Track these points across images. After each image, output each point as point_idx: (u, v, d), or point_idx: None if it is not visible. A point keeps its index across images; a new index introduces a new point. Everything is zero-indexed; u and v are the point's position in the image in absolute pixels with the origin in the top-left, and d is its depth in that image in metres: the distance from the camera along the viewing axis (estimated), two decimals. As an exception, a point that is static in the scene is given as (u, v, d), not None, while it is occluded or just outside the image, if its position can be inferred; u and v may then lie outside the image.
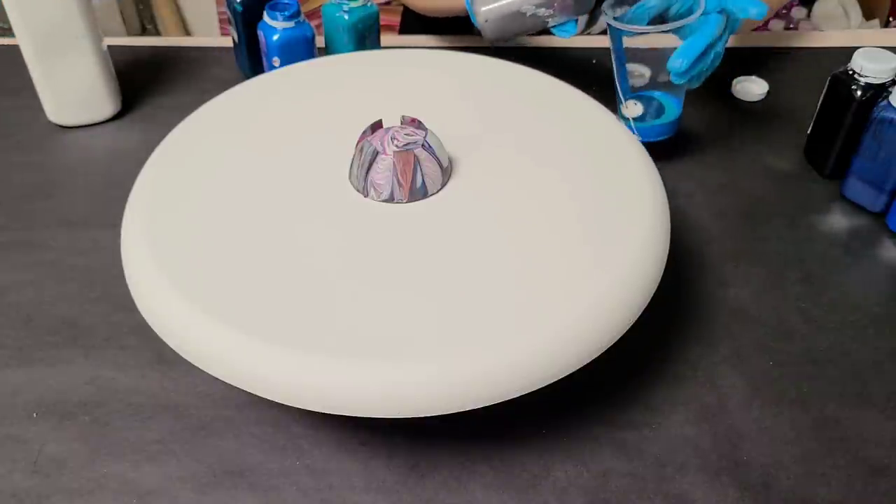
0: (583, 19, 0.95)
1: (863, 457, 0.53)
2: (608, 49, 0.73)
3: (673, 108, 0.74)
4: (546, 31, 0.79)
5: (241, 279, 0.48)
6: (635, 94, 0.74)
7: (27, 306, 0.62)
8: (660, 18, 0.72)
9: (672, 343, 0.60)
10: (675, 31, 0.68)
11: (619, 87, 0.74)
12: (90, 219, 0.70)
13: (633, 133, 0.74)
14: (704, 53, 0.68)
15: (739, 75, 0.86)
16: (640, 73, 0.72)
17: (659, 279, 0.50)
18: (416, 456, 0.53)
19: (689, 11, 0.70)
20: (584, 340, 0.46)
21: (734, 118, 0.82)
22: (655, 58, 0.70)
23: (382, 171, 0.53)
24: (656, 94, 0.74)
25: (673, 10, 0.71)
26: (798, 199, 0.73)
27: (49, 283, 0.64)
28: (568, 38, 0.76)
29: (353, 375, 0.44)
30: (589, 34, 0.97)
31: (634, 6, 0.71)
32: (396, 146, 0.54)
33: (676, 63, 0.67)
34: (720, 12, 0.68)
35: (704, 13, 0.68)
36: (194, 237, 0.51)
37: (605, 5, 0.69)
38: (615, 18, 0.69)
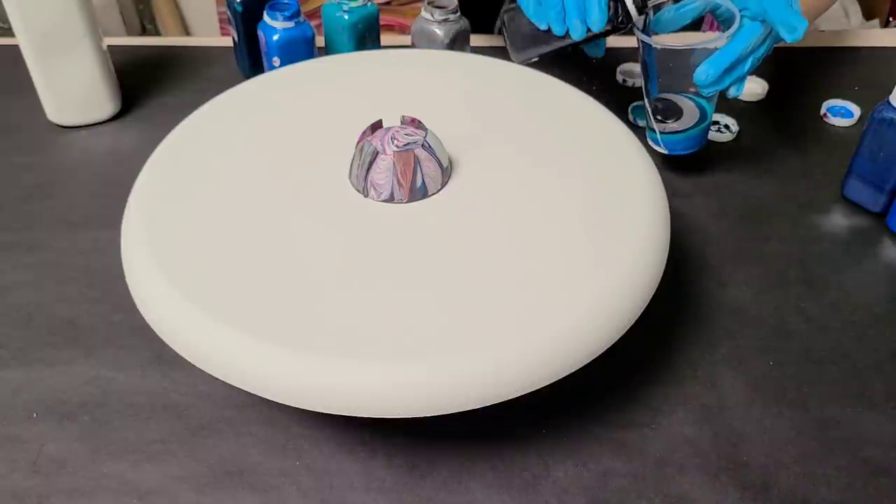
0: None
1: (863, 457, 0.53)
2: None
3: (708, 113, 0.69)
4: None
5: (240, 279, 0.48)
6: (665, 94, 0.69)
7: (27, 306, 0.62)
8: (698, 22, 0.69)
9: (672, 343, 0.60)
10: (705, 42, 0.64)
11: (647, 100, 0.71)
12: (90, 219, 0.70)
13: (660, 146, 0.72)
14: (740, 62, 0.65)
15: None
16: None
17: (659, 279, 0.50)
18: (416, 456, 0.52)
19: (733, 17, 0.66)
20: (584, 340, 0.46)
21: (734, 118, 0.82)
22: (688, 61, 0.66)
23: (382, 171, 0.53)
24: (688, 96, 0.69)
25: (720, 11, 0.67)
26: (798, 199, 0.73)
27: (49, 283, 0.64)
28: (600, 56, 0.72)
29: (353, 375, 0.44)
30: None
31: (677, 5, 0.67)
32: (396, 146, 0.54)
33: (701, 76, 0.64)
34: (762, 22, 0.65)
35: (744, 18, 0.64)
36: (194, 237, 0.51)
37: (634, 19, 0.66)
38: (644, 30, 0.65)
